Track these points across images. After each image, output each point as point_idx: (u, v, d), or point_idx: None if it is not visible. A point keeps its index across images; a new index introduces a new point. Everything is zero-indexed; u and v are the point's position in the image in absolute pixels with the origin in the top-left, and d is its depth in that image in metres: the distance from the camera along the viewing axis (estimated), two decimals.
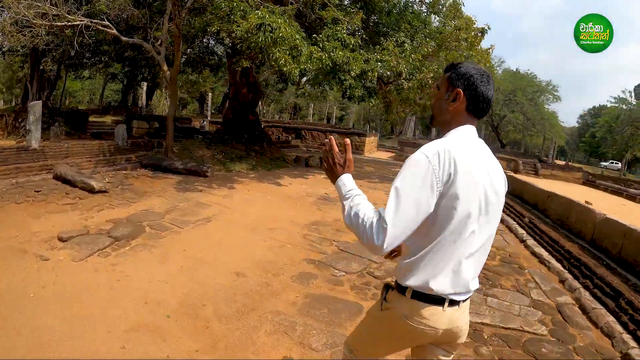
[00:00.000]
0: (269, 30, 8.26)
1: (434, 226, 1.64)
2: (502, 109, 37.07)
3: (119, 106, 31.31)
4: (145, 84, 26.14)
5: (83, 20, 10.57)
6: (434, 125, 1.86)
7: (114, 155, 11.86)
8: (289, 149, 22.83)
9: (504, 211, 11.46)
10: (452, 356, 1.89)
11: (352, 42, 10.57)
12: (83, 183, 8.19)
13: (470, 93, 1.73)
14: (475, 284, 1.78)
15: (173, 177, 10.84)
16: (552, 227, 9.32)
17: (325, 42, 9.94)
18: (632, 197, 25.32)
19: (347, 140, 1.84)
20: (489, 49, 15.41)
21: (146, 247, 5.40)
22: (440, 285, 1.67)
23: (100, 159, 11.12)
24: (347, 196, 1.73)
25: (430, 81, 13.80)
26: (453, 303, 1.72)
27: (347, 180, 1.80)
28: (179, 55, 11.97)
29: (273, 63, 9.21)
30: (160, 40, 11.84)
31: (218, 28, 9.84)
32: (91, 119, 20.06)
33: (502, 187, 1.77)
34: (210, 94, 31.50)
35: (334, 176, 1.85)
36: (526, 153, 39.61)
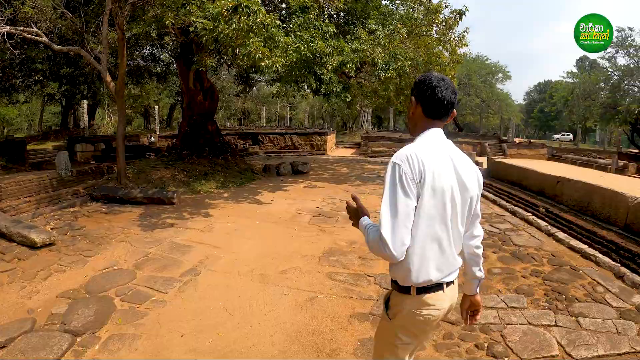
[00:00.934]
0: (246, 14, 6.61)
1: (417, 226, 1.83)
2: (458, 94, 36.53)
3: (60, 130, 28.60)
4: (85, 102, 23.66)
5: (4, 28, 8.55)
6: (412, 134, 2.05)
7: (58, 190, 9.87)
8: (249, 157, 21.13)
9: (512, 202, 10.71)
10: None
11: (331, 30, 9.08)
12: (21, 237, 6.30)
13: (423, 99, 1.97)
14: (460, 260, 2.05)
15: (133, 210, 9.02)
16: (573, 214, 8.54)
17: (302, 32, 8.39)
18: (603, 168, 25.19)
19: (354, 195, 2.17)
20: (464, 31, 14.45)
21: (124, 341, 3.65)
22: (437, 275, 1.92)
23: (42, 197, 9.11)
24: (364, 231, 1.96)
25: (408, 70, 12.68)
26: (449, 284, 2.00)
27: (363, 221, 2.02)
28: (124, 62, 10.09)
29: (244, 58, 7.56)
30: (99, 46, 9.90)
31: (172, 21, 8.08)
32: (30, 147, 17.82)
33: (471, 179, 1.97)
34: (156, 107, 29.14)
35: (357, 222, 2.07)
36: (485, 135, 39.46)
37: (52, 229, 7.21)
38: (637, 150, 38.16)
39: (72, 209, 8.91)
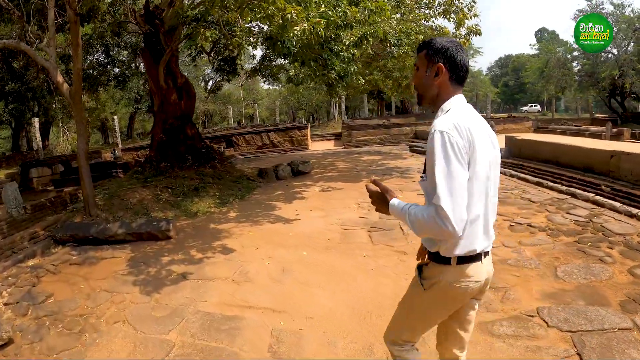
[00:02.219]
0: None
1: (470, 198, 1.76)
2: None
3: (13, 155, 24.99)
4: (37, 120, 20.30)
5: None
6: (424, 104, 2.00)
7: (10, 236, 7.21)
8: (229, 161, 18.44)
9: (563, 182, 9.57)
10: (480, 303, 2.10)
11: None
12: None
13: (450, 64, 1.89)
14: (494, 233, 1.98)
15: (116, 254, 6.43)
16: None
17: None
18: (596, 135, 24.00)
19: (372, 178, 2.14)
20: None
21: None
22: (480, 244, 1.88)
23: None
24: (403, 212, 1.83)
25: None
26: (486, 254, 1.94)
27: (395, 202, 1.89)
28: (79, 54, 7.36)
29: (267, 22, 5.10)
30: (46, 36, 7.19)
31: None
32: None
33: (496, 139, 1.97)
34: (115, 118, 25.79)
35: (385, 208, 1.94)
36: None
37: (5, 305, 4.61)
38: (606, 115, 38.00)
39: (31, 262, 6.27)
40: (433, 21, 13.73)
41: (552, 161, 11.03)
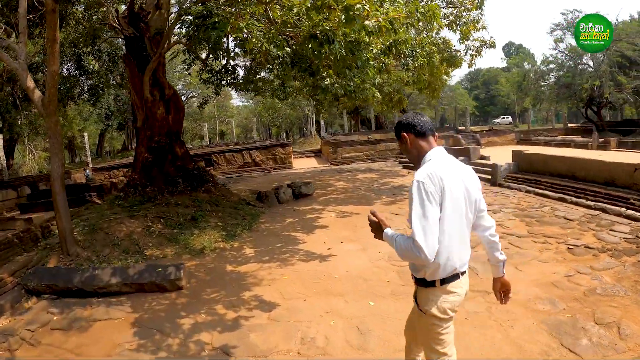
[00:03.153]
0: None
1: (441, 230, 2.16)
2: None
3: None
4: (0, 137, 18.12)
5: None
6: (417, 167, 2.34)
7: None
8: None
9: (588, 197, 9.21)
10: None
11: None
12: None
13: (408, 129, 2.36)
14: (468, 256, 2.38)
15: (112, 314, 4.90)
16: None
17: None
18: (582, 146, 23.68)
19: (372, 211, 2.48)
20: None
21: None
22: (458, 266, 2.27)
23: None
24: (392, 239, 2.24)
25: (436, 56, 10.00)
26: (463, 273, 2.34)
27: (388, 231, 2.31)
28: (56, 53, 5.79)
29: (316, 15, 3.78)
30: (14, 31, 5.65)
31: None
32: None
33: (474, 186, 2.35)
34: (85, 135, 23.64)
35: (380, 235, 2.38)
36: (442, 126, 37.51)
37: None
38: (579, 124, 38.33)
39: None
40: (437, 32, 12.79)
41: (568, 175, 10.60)
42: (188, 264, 6.60)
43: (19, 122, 19.75)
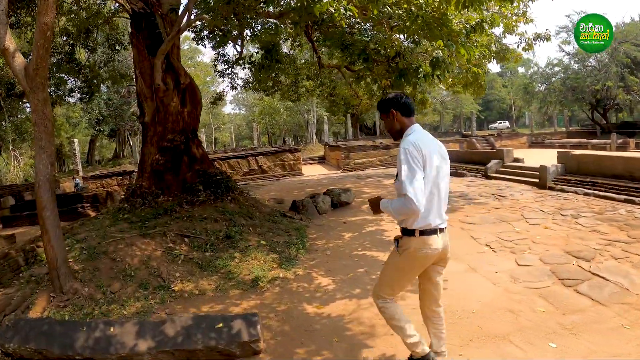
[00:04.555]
0: None
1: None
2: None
3: None
4: None
5: None
6: (397, 138, 2.83)
7: None
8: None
9: None
10: (444, 269, 2.93)
11: None
12: None
13: (397, 107, 2.79)
14: (446, 216, 2.76)
15: None
16: None
17: None
18: (601, 148, 22.51)
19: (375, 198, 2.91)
20: None
21: None
22: (434, 221, 2.65)
23: None
24: (388, 205, 2.69)
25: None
26: (441, 230, 2.71)
27: (384, 201, 2.74)
28: (51, 11, 3.56)
29: None
30: None
31: None
32: None
33: (446, 153, 2.79)
34: (76, 140, 21.07)
35: (377, 208, 2.79)
36: (448, 132, 35.92)
37: None
38: (579, 128, 37.18)
39: None
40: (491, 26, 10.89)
41: (625, 176, 9.95)
42: (244, 306, 4.42)
43: (3, 124, 17.24)
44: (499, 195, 10.23)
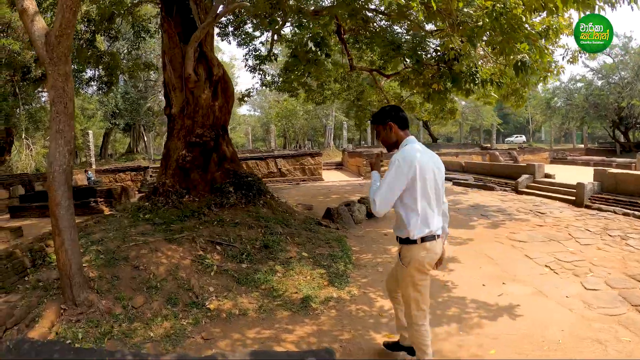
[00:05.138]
0: None
1: (411, 200, 2.68)
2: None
3: None
4: None
5: None
6: (391, 150, 2.92)
7: None
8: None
9: None
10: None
11: None
12: None
13: (396, 119, 2.85)
14: (441, 223, 2.84)
15: None
16: None
17: None
18: (626, 166, 21.52)
19: (377, 152, 3.39)
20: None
21: None
22: (433, 228, 2.73)
23: None
24: (373, 180, 2.84)
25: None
26: (438, 236, 2.78)
27: (374, 174, 2.91)
28: None
29: None
30: None
31: None
32: None
33: (440, 162, 2.87)
34: (90, 132, 20.30)
35: (372, 169, 3.01)
36: (467, 143, 34.94)
37: None
38: (597, 145, 36.14)
39: None
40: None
41: None
42: (299, 332, 3.63)
43: (17, 111, 16.54)
44: (538, 212, 9.58)
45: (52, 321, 3.94)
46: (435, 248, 2.78)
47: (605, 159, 24.76)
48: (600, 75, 30.59)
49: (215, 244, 5.50)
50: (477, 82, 7.45)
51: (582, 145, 35.64)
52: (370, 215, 8.87)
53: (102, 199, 12.05)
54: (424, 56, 8.23)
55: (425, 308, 2.85)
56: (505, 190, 14.26)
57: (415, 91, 10.68)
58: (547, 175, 14.42)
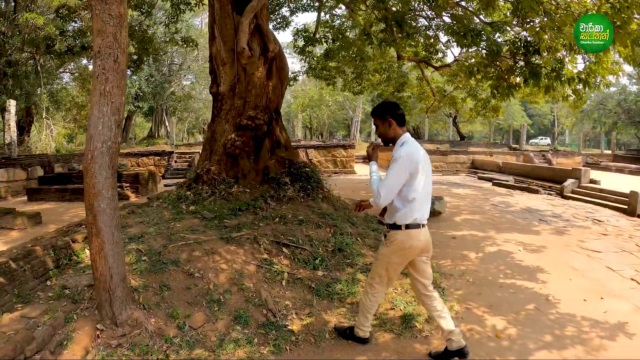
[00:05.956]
0: None
1: (409, 192, 2.85)
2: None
3: None
4: (13, 103, 13.97)
5: None
6: (387, 144, 3.06)
7: None
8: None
9: None
10: (429, 260, 3.11)
11: None
12: None
13: (395, 116, 2.98)
14: (428, 214, 2.99)
15: None
16: None
17: None
18: None
19: (374, 145, 3.57)
20: None
21: None
22: (418, 217, 2.89)
23: None
24: (371, 171, 3.03)
25: None
26: (423, 225, 2.94)
27: (373, 165, 3.08)
28: None
29: None
30: None
31: None
32: None
33: (428, 157, 3.01)
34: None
35: (370, 160, 3.14)
36: (496, 143, 33.75)
37: None
38: (623, 152, 34.70)
39: None
40: None
41: None
42: None
43: (39, 91, 15.68)
44: (595, 220, 8.96)
45: (86, 346, 3.00)
46: (419, 235, 2.93)
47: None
48: (634, 81, 29.30)
49: (281, 246, 4.52)
50: (562, 79, 6.61)
51: (609, 152, 34.29)
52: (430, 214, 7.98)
53: (127, 184, 11.15)
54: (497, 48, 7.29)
55: (386, 281, 3.10)
56: (549, 194, 13.49)
57: (479, 84, 9.77)
58: (592, 181, 13.71)
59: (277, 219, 5.10)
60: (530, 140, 47.88)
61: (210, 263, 4.03)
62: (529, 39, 7.05)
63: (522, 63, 7.42)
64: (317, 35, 10.78)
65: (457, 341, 3.01)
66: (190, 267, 3.91)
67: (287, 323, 3.42)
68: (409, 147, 2.87)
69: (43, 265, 4.04)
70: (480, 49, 7.75)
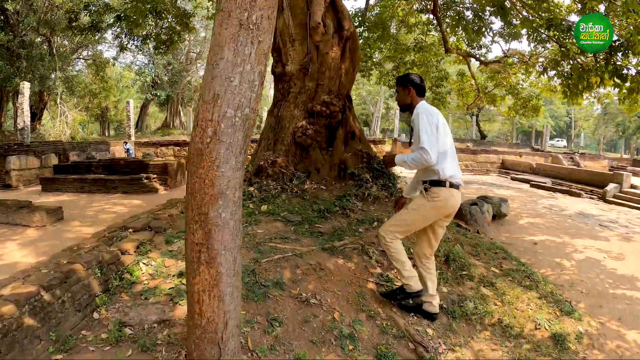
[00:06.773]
0: None
1: (439, 144, 2.77)
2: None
3: None
4: (27, 86, 13.05)
5: None
6: (405, 110, 3.06)
7: None
8: None
9: None
10: (447, 223, 3.05)
11: None
12: None
13: (415, 86, 2.96)
14: (460, 175, 2.94)
15: None
16: None
17: None
18: None
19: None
20: None
21: None
22: (455, 176, 2.86)
23: None
24: (404, 160, 2.83)
25: None
26: (458, 186, 2.89)
27: (399, 156, 2.92)
28: None
29: None
30: None
31: None
32: None
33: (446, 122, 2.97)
34: (131, 101, 18.42)
35: (392, 160, 2.98)
36: (518, 143, 32.95)
37: None
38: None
39: None
40: None
41: None
42: None
43: (53, 75, 14.80)
44: None
45: None
46: (458, 197, 2.90)
47: None
48: None
49: (369, 248, 3.68)
50: None
51: (627, 156, 33.55)
52: (493, 216, 7.36)
53: (155, 176, 10.27)
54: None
55: (409, 232, 3.04)
56: (591, 198, 13.26)
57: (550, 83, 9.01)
58: (633, 186, 13.56)
59: (375, 222, 4.26)
60: (547, 142, 47.16)
61: (321, 282, 3.20)
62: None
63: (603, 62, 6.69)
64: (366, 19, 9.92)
65: (435, 306, 3.05)
66: (300, 290, 3.07)
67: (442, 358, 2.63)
68: (427, 107, 2.90)
69: (87, 290, 3.00)
70: (561, 47, 6.93)
